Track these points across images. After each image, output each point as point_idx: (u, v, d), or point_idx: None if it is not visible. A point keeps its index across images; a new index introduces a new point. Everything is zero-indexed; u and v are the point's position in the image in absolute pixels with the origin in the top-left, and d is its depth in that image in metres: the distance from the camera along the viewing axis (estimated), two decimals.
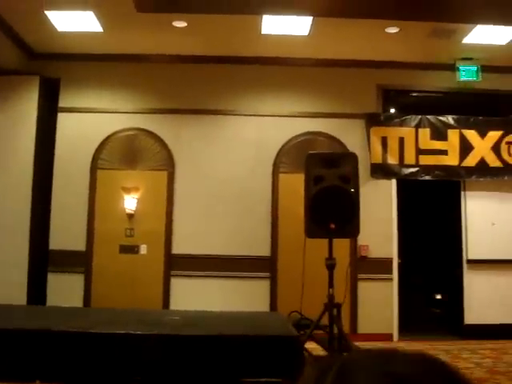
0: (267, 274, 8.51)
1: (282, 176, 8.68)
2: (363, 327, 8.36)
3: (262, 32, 8.04)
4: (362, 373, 0.80)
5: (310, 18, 7.59)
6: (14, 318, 6.04)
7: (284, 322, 6.33)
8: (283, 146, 8.76)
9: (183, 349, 5.07)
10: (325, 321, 6.04)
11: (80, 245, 8.47)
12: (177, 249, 8.51)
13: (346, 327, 7.40)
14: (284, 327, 5.89)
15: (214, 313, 6.99)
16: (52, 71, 8.98)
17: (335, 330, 5.94)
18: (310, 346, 6.13)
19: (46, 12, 7.66)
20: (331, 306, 5.96)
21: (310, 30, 7.91)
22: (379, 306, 8.42)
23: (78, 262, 8.39)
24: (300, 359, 5.20)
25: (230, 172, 8.65)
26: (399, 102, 9.42)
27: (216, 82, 8.88)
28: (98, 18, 7.80)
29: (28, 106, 8.68)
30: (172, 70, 8.92)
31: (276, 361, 5.11)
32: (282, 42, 8.34)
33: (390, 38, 8.11)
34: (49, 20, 7.88)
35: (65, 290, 8.01)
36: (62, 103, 8.93)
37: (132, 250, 8.46)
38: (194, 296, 8.29)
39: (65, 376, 4.99)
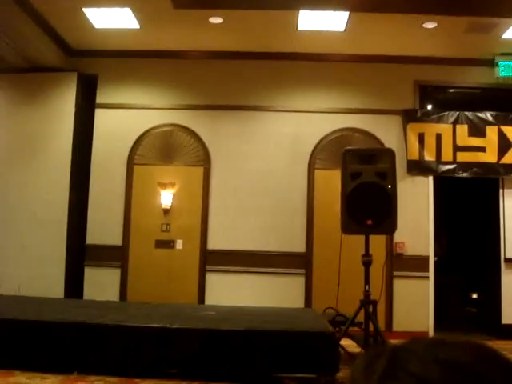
0: (302, 271, 8.49)
1: (317, 172, 8.65)
2: (399, 325, 8.29)
3: (299, 28, 8.02)
4: (414, 360, 0.79)
5: (347, 14, 7.55)
6: (53, 311, 6.13)
7: (319, 318, 6.33)
8: (319, 142, 8.72)
9: (218, 343, 5.10)
10: (360, 318, 6.00)
11: (116, 239, 8.55)
12: (212, 244, 8.54)
13: (382, 324, 7.34)
14: (319, 323, 5.89)
15: (249, 308, 7.02)
16: (89, 68, 9.08)
17: (371, 327, 5.90)
18: (346, 342, 6.11)
19: (84, 9, 7.75)
20: (367, 302, 5.92)
21: (346, 26, 7.86)
22: (415, 304, 8.34)
23: (115, 256, 8.47)
24: (335, 355, 5.19)
25: (265, 168, 8.64)
26: (436, 98, 9.30)
27: (252, 78, 8.89)
28: (135, 15, 7.86)
29: (66, 103, 8.80)
30: (208, 66, 8.94)
31: (311, 357, 5.11)
32: (319, 38, 8.30)
33: (427, 34, 8.02)
34: (86, 17, 7.96)
35: (101, 283, 8.09)
36: (99, 99, 9.02)
37: (168, 244, 8.52)
38: (229, 291, 8.32)
39: (101, 368, 5.05)
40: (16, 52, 8.50)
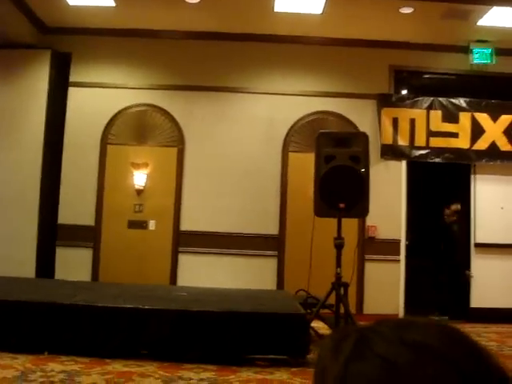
0: (275, 253, 8.52)
1: (291, 155, 8.66)
2: (369, 308, 8.39)
3: (275, 10, 7.98)
4: (380, 341, 0.80)
5: None
6: (23, 291, 6.09)
7: (291, 300, 6.37)
8: (294, 125, 8.73)
9: (190, 324, 5.11)
10: (331, 300, 6.05)
11: (89, 219, 8.50)
12: (185, 225, 8.53)
13: (353, 307, 7.43)
14: (291, 305, 5.93)
15: (221, 290, 7.04)
16: (64, 46, 8.95)
17: (341, 310, 5.95)
18: (317, 324, 6.16)
19: None
20: (338, 285, 5.97)
21: (323, 9, 7.84)
22: (386, 287, 8.43)
23: (87, 236, 8.42)
24: (306, 337, 5.24)
25: (240, 150, 8.63)
26: (411, 83, 9.35)
27: (228, 59, 8.84)
28: None
29: (39, 80, 8.68)
30: (184, 47, 8.88)
31: (282, 338, 5.15)
32: (295, 20, 8.27)
33: (403, 19, 8.04)
34: None
35: (73, 264, 8.04)
36: (73, 78, 8.91)
37: (140, 225, 8.49)
38: (202, 273, 8.33)
39: (72, 348, 5.05)
40: None
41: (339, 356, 0.81)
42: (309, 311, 6.08)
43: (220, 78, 8.81)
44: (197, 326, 5.10)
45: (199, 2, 7.90)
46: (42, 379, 4.36)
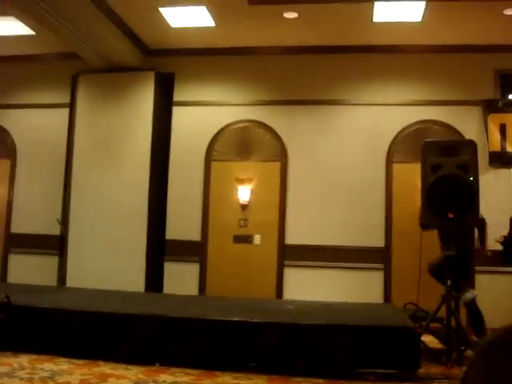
0: (381, 265, 8.38)
1: (395, 166, 8.52)
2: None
3: (374, 20, 7.92)
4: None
5: (423, 3, 7.40)
6: (134, 304, 6.27)
7: (399, 314, 6.23)
8: (397, 136, 8.59)
9: (298, 337, 5.08)
10: (442, 313, 5.87)
11: (195, 235, 8.67)
12: (290, 239, 8.54)
13: (464, 320, 7.18)
14: (400, 318, 5.80)
15: (328, 303, 6.97)
16: (166, 66, 9.25)
17: (453, 323, 5.76)
18: (427, 338, 5.99)
19: (160, 9, 7.89)
20: (449, 298, 5.78)
21: (422, 16, 7.70)
22: (499, 300, 8.09)
23: (194, 251, 8.60)
24: (416, 351, 5.09)
25: (343, 162, 8.58)
26: None
27: (328, 72, 8.83)
28: (210, 13, 7.94)
29: (145, 101, 8.98)
30: (284, 62, 8.95)
31: (392, 352, 5.03)
32: (394, 29, 8.18)
33: (507, 20, 7.76)
34: (163, 17, 8.11)
35: (181, 278, 8.21)
36: (176, 97, 9.17)
37: (246, 240, 8.57)
38: (307, 286, 8.30)
39: (182, 360, 5.13)
40: (96, 53, 8.74)
41: None
42: (418, 325, 5.92)
43: (321, 91, 8.80)
44: (305, 339, 5.07)
45: (297, 17, 7.96)
46: None
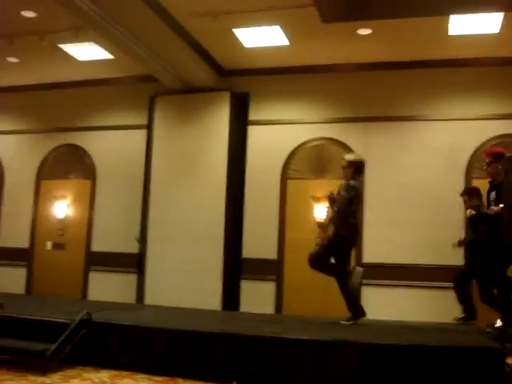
0: None
1: (476, 182, 8.28)
2: None
3: (450, 33, 7.77)
4: None
5: (501, 14, 7.21)
6: (212, 322, 6.30)
7: (482, 334, 6.02)
8: (476, 151, 8.37)
9: (378, 358, 4.97)
10: None
11: (271, 253, 8.65)
12: (367, 257, 8.41)
13: None
14: (483, 339, 5.60)
15: (407, 323, 6.81)
16: (241, 86, 9.34)
17: None
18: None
19: (234, 30, 7.99)
20: None
21: (500, 27, 7.51)
22: None
23: (270, 269, 8.58)
24: (502, 373, 4.89)
25: (420, 179, 8.41)
26: None
27: (403, 87, 8.71)
28: (284, 32, 7.99)
29: (220, 121, 9.09)
30: (358, 78, 8.89)
31: (475, 373, 4.85)
32: (471, 42, 8.00)
33: None
34: (237, 37, 8.21)
35: (257, 296, 8.19)
36: (251, 116, 9.25)
37: None
38: (385, 305, 8.12)
39: (259, 379, 5.09)
40: (172, 75, 8.92)
41: None
42: (503, 346, 5.69)
43: (396, 107, 8.69)
44: (385, 360, 4.95)
45: (371, 34, 7.91)
46: None
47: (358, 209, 6.77)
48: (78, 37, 8.22)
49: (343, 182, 6.50)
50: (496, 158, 6.38)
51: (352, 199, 6.37)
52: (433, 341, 5.35)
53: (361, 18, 7.40)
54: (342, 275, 6.45)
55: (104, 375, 5.28)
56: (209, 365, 5.28)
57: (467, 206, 6.88)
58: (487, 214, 6.32)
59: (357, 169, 6.56)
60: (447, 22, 7.47)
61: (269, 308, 8.47)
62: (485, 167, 6.61)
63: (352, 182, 6.42)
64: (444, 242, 8.17)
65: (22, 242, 9.41)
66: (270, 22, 7.71)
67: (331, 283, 7.98)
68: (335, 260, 6.52)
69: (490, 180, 6.58)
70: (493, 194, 6.41)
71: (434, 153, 8.48)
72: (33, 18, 7.94)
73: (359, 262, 8.39)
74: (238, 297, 8.74)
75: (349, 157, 6.73)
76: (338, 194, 6.48)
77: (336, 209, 6.40)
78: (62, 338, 5.46)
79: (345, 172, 6.56)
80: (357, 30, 7.82)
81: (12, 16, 7.89)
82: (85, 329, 5.71)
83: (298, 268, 8.31)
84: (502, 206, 5.94)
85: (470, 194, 6.96)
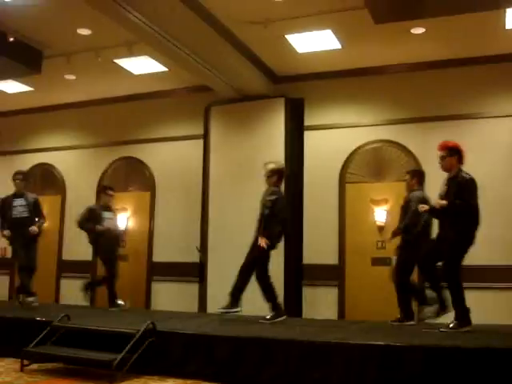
0: None
1: None
2: None
3: (507, 27, 7.57)
4: None
5: None
6: (275, 329, 6.28)
7: None
8: None
9: (443, 361, 4.85)
10: None
11: (332, 258, 8.58)
12: None
13: None
14: None
15: (482, 325, 6.62)
16: (295, 92, 9.34)
17: None
18: None
19: (287, 36, 7.99)
20: None
21: None
22: None
23: (331, 275, 8.50)
24: None
25: (483, 178, 8.15)
26: None
27: (460, 85, 8.54)
28: (336, 35, 7.95)
29: (275, 128, 9.11)
30: (413, 78, 8.77)
31: None
32: None
33: None
34: (289, 43, 8.21)
35: (319, 302, 8.12)
36: (307, 122, 9.23)
37: (384, 262, 8.33)
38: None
39: None
40: (226, 84, 8.98)
41: None
42: None
43: (454, 105, 8.51)
44: (450, 363, 4.82)
45: (425, 32, 7.78)
46: None
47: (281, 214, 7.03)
48: (132, 51, 8.38)
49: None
50: (451, 152, 6.47)
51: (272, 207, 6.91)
52: (498, 343, 5.21)
53: (414, 16, 7.28)
54: None
55: None
56: (273, 372, 5.26)
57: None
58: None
59: (279, 176, 7.18)
60: (504, 16, 7.28)
61: (331, 313, 8.39)
62: (439, 161, 6.62)
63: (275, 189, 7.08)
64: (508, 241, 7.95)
65: (86, 254, 9.58)
66: (321, 26, 7.69)
67: (393, 287, 7.86)
68: None
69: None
70: (443, 187, 6.46)
71: (496, 150, 8.26)
72: (88, 36, 8.12)
73: None
74: (301, 303, 8.70)
75: (271, 166, 7.24)
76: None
77: None
78: (127, 348, 5.52)
79: (268, 180, 7.20)
80: (410, 29, 7.71)
81: (68, 34, 8.11)
82: (150, 338, 5.77)
83: (359, 272, 8.27)
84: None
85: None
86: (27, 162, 11.60)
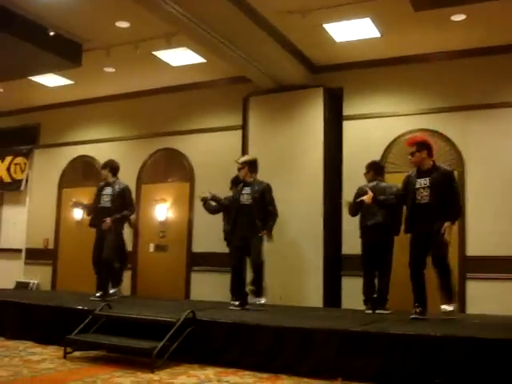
0: None
1: None
2: None
3: None
4: None
5: None
6: (314, 319, 6.29)
7: None
8: None
9: (484, 352, 4.80)
10: None
11: None
12: (471, 250, 8.12)
13: None
14: None
15: None
16: (333, 81, 9.28)
17: None
18: None
19: (324, 25, 7.94)
20: None
21: None
22: None
23: None
24: None
25: None
26: None
27: (502, 72, 8.34)
28: (375, 24, 7.86)
29: (314, 118, 9.07)
30: (453, 66, 8.62)
31: None
32: None
33: None
34: (327, 32, 8.15)
35: (358, 292, 8.03)
36: (345, 111, 9.16)
37: None
38: (492, 300, 7.81)
39: (365, 375, 5.04)
40: (264, 75, 8.98)
41: None
42: None
43: (497, 93, 8.33)
44: (491, 355, 4.76)
45: (466, 19, 7.64)
46: None
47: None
48: (170, 43, 8.41)
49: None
50: (420, 147, 6.54)
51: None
52: None
53: (454, 3, 7.17)
54: None
55: (209, 372, 5.38)
56: (313, 361, 5.28)
57: None
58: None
59: (251, 167, 7.64)
60: None
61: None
62: (409, 157, 6.71)
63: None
64: None
65: (127, 245, 9.67)
66: (359, 14, 7.60)
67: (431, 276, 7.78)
68: None
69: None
70: (422, 181, 6.54)
71: None
72: (127, 28, 8.19)
73: (463, 255, 8.15)
74: (340, 293, 8.67)
75: (242, 159, 7.83)
76: None
77: None
78: (168, 336, 5.61)
79: (241, 173, 7.70)
80: (450, 16, 7.57)
81: (107, 27, 8.19)
82: (190, 327, 5.84)
83: (397, 262, 8.16)
84: None
85: None
86: (68, 154, 11.81)
